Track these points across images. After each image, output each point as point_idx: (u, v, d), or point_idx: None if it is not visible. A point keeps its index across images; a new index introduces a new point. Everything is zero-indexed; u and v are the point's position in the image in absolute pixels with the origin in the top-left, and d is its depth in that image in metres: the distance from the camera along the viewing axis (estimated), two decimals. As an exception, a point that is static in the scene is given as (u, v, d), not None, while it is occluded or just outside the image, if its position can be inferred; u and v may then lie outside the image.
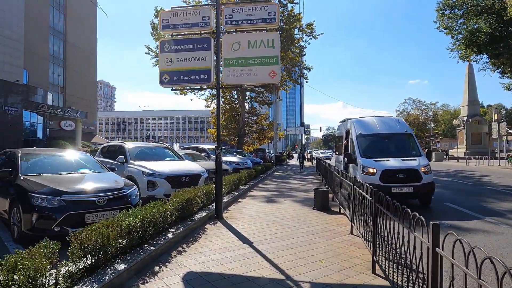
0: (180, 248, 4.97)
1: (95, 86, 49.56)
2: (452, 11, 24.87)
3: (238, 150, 25.95)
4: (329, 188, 9.30)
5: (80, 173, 6.36)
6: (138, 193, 6.25)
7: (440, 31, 25.99)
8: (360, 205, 5.11)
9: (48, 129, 30.69)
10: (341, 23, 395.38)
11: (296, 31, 35.57)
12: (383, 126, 10.67)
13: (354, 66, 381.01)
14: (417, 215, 2.71)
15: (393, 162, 9.12)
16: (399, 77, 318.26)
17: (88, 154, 7.99)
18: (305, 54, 38.41)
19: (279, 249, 5.00)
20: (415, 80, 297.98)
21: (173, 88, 7.55)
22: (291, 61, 39.02)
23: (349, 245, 5.31)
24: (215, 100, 40.06)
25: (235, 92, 36.77)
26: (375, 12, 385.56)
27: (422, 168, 8.89)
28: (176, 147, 63.28)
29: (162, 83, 7.35)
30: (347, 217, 6.98)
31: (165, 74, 7.34)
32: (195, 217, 6.40)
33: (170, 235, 5.13)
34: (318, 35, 37.30)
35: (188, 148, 16.97)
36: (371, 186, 4.44)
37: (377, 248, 4.00)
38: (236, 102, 38.61)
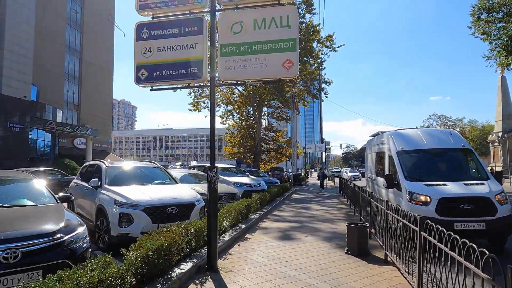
0: None
1: (111, 104, 49.20)
2: (490, 15, 22.42)
3: (253, 169, 23.84)
4: (367, 223, 6.98)
5: None
6: (87, 238, 4.18)
7: (476, 37, 23.45)
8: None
9: (57, 147, 29.72)
10: (360, 39, 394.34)
11: (314, 44, 33.84)
12: (432, 140, 8.32)
13: (373, 83, 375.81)
14: None
15: (453, 188, 6.74)
16: (420, 93, 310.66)
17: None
18: (324, 68, 36.42)
19: None
20: (436, 96, 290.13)
21: (153, 87, 5.58)
22: (310, 75, 37.21)
23: None
24: (231, 117, 38.54)
25: (251, 108, 35.03)
26: (393, 29, 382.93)
27: (497, 197, 6.47)
28: (193, 163, 61.67)
29: (138, 80, 5.44)
30: (399, 270, 4.70)
31: (142, 69, 5.43)
32: (171, 274, 4.27)
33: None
34: (338, 47, 35.42)
35: (194, 168, 15.02)
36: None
37: None
38: (252, 118, 36.81)
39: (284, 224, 9.18)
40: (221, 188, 9.69)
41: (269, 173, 28.21)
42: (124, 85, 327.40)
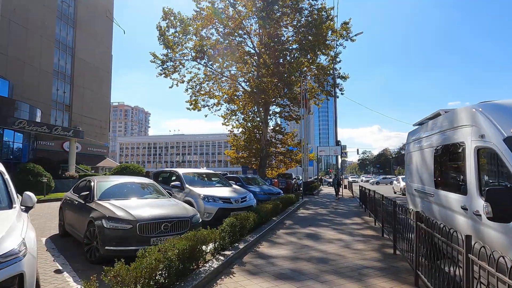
0: None
1: (108, 106, 45.90)
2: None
3: (250, 176, 19.52)
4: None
5: None
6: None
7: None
8: None
9: (32, 150, 26.19)
10: (374, 48, 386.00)
11: (328, 34, 29.45)
12: None
13: (387, 91, 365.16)
14: None
15: None
16: (436, 100, 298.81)
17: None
18: (340, 61, 31.84)
19: None
20: (455, 101, 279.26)
21: None
22: (323, 70, 32.73)
23: None
24: (234, 117, 34.33)
25: (256, 107, 30.78)
26: (407, 36, 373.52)
27: None
28: (203, 170, 58.02)
29: None
30: None
31: None
32: None
33: None
34: (355, 36, 30.89)
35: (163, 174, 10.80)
36: None
37: None
38: (258, 120, 32.51)
39: (267, 284, 4.76)
40: (163, 208, 6.03)
41: (274, 180, 23.77)
42: (138, 91, 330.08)
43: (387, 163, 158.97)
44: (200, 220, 6.39)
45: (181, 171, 9.95)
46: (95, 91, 42.06)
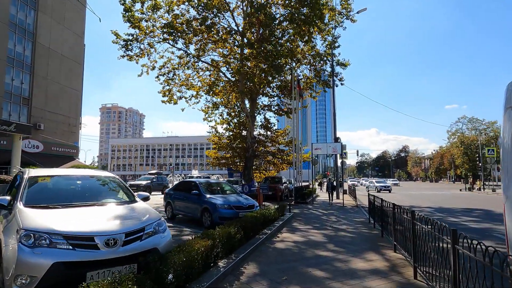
0: None
1: (79, 101, 40.90)
2: None
3: (212, 181, 14.62)
4: None
5: None
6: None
7: None
8: None
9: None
10: (371, 50, 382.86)
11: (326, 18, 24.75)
12: None
13: (385, 93, 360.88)
14: None
15: None
16: (434, 102, 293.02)
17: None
18: (339, 46, 27.14)
19: None
20: (452, 105, 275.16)
21: None
22: (319, 57, 27.98)
23: None
24: (216, 111, 29.56)
25: (240, 97, 25.94)
26: (406, 38, 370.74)
27: None
28: (194, 173, 52.69)
29: None
30: None
31: None
32: None
33: None
34: (358, 13, 26.21)
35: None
36: None
37: None
38: (243, 115, 27.66)
39: None
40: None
41: (257, 185, 18.93)
42: (135, 93, 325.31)
43: (386, 166, 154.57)
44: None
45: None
46: (62, 84, 37.13)
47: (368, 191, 32.36)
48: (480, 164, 47.39)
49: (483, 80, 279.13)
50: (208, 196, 10.15)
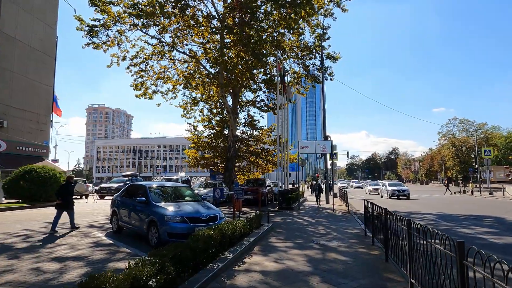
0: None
1: (51, 97, 37.78)
2: None
3: (168, 185, 12.13)
4: None
5: None
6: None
7: None
8: None
9: None
10: (362, 53, 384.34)
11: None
12: None
13: (374, 96, 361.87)
14: None
15: None
16: (422, 106, 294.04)
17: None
18: (329, 38, 24.96)
19: None
20: (439, 108, 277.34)
21: None
22: (307, 49, 25.74)
23: None
24: (196, 108, 27.00)
25: (221, 91, 23.48)
26: (396, 42, 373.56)
27: None
28: (181, 175, 49.68)
29: None
30: None
31: None
32: None
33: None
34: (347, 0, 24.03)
35: None
36: None
37: None
38: (225, 112, 25.20)
39: None
40: None
41: (228, 188, 16.45)
42: (122, 94, 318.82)
43: (376, 168, 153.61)
44: None
45: None
46: (30, 78, 34.03)
47: (381, 196, 28.25)
48: (476, 166, 45.75)
49: (469, 83, 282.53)
50: (156, 204, 7.66)
